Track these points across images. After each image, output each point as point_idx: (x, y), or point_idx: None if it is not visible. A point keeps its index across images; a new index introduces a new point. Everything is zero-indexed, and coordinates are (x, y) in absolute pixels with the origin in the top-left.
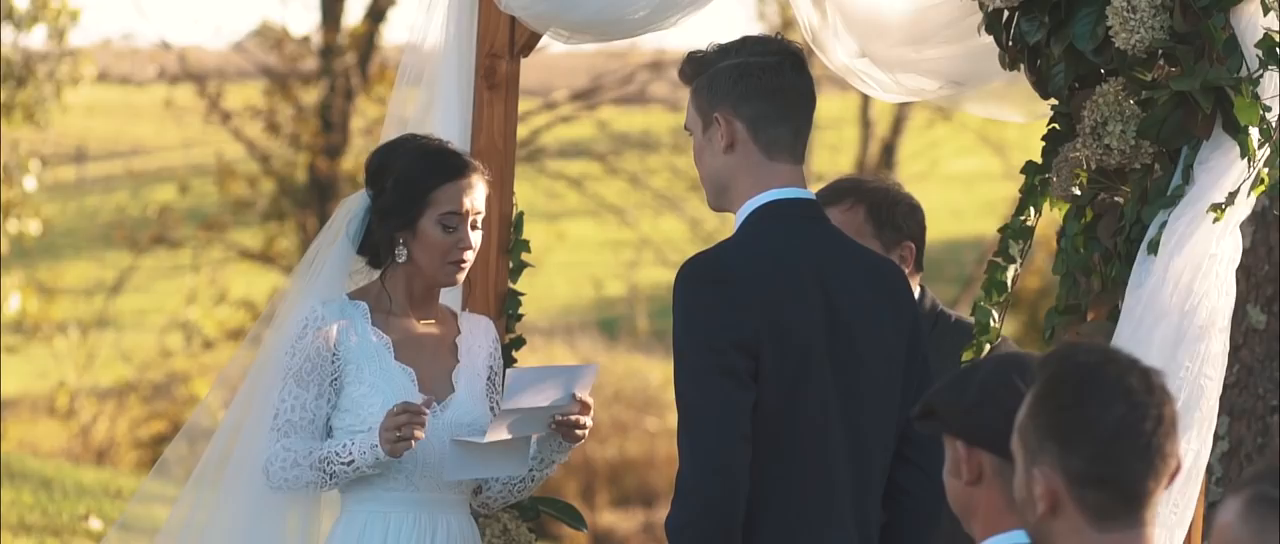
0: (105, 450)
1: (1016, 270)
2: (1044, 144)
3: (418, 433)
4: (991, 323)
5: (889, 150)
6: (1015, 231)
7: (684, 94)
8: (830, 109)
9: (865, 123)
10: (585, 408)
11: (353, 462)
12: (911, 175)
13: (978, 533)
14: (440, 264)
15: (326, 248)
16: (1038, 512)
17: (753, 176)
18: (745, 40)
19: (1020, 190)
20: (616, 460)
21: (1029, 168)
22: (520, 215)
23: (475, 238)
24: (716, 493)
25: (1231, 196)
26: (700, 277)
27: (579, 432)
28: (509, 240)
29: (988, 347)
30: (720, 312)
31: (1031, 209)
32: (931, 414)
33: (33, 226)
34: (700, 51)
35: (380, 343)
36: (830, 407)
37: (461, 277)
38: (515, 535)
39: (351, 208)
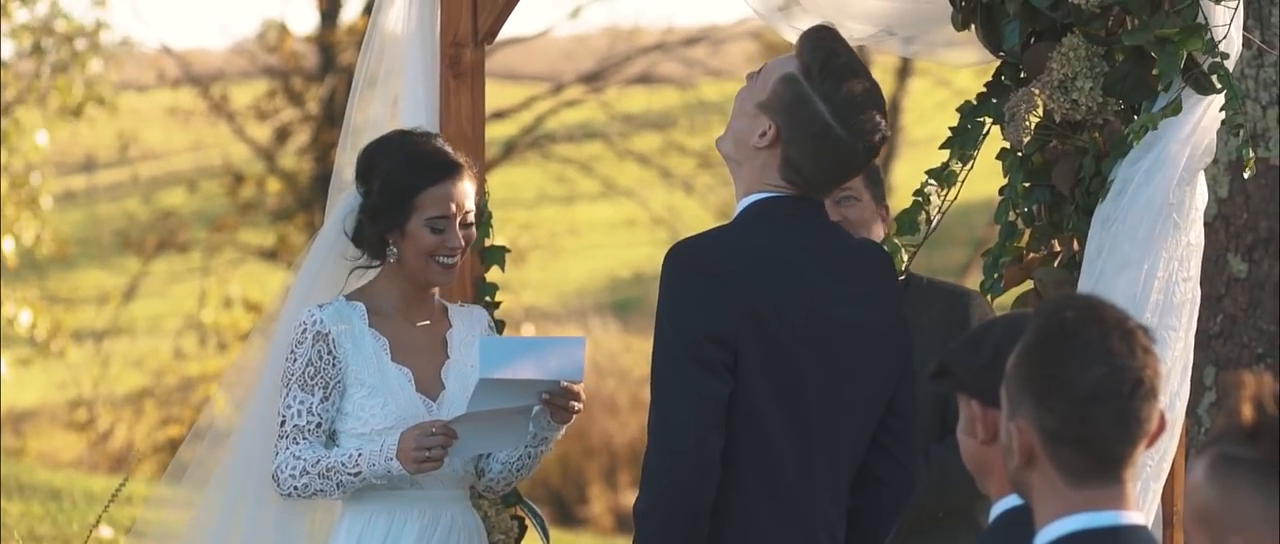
0: (123, 458)
1: (935, 213)
2: (985, 89)
3: (444, 455)
4: (900, 259)
5: (892, 115)
6: (938, 176)
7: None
8: None
9: None
10: (574, 394)
11: (360, 473)
12: (917, 139)
13: (993, 491)
14: (427, 263)
15: (324, 247)
16: (1015, 462)
17: (759, 171)
18: (830, 66)
19: (951, 129)
20: (638, 441)
21: (965, 109)
22: (486, 200)
23: (465, 235)
24: (681, 479)
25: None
26: (687, 264)
27: (567, 414)
28: (480, 230)
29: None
30: (702, 302)
31: (958, 153)
32: (946, 374)
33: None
34: (808, 64)
35: (377, 344)
36: (809, 400)
37: (451, 276)
38: (495, 522)
39: (344, 207)
